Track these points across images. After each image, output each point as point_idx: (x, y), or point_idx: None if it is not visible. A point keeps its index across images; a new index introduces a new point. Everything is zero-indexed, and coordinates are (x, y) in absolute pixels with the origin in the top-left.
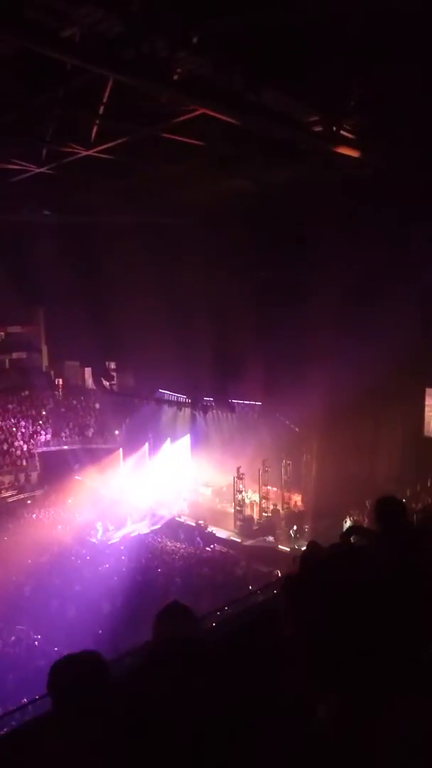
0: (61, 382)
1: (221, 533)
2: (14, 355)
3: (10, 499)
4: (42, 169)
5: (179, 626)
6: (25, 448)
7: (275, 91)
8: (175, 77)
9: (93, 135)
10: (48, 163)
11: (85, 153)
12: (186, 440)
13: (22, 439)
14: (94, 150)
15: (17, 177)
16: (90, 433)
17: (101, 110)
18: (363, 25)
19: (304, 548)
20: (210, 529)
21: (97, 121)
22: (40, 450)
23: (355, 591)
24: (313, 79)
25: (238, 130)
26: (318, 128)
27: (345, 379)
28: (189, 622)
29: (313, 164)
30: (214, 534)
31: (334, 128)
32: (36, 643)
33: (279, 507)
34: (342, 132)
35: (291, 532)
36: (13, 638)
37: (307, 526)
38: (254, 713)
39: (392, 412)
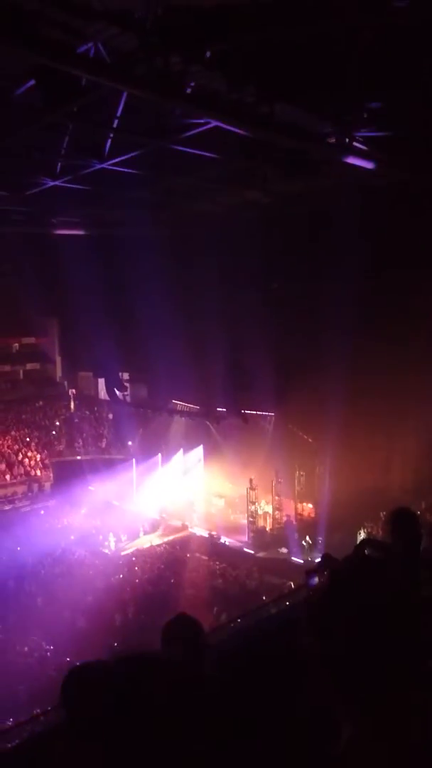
0: (74, 393)
1: (234, 544)
2: (28, 366)
3: (23, 509)
4: (57, 183)
5: (185, 639)
6: (38, 458)
7: (288, 103)
8: (188, 91)
9: (107, 148)
10: (63, 177)
11: (99, 166)
12: (199, 451)
13: (36, 450)
14: (108, 163)
15: (33, 190)
16: (103, 443)
17: (115, 124)
18: (374, 39)
19: (318, 560)
20: (222, 540)
21: (111, 135)
22: (53, 460)
23: (374, 604)
24: (325, 92)
25: (251, 142)
26: (331, 140)
27: (359, 389)
28: (196, 635)
29: (326, 175)
30: (227, 545)
31: (347, 140)
32: (48, 653)
33: (292, 518)
34: (355, 143)
35: (304, 543)
36: (25, 649)
37: (320, 538)
38: (268, 727)
39: (407, 423)
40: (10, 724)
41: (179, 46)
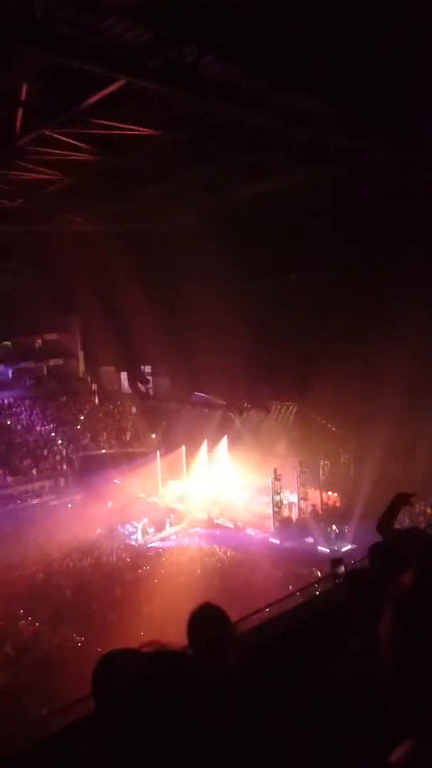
0: (96, 388)
1: (259, 535)
2: (51, 362)
3: (50, 503)
4: (72, 179)
5: (212, 628)
6: (64, 452)
7: (303, 92)
8: (202, 82)
9: (121, 143)
10: (79, 175)
11: (113, 161)
12: (223, 442)
13: (62, 444)
14: (123, 158)
15: (49, 187)
16: (127, 437)
17: (128, 118)
18: (388, 27)
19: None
20: (248, 530)
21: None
22: (78, 454)
23: None
24: (341, 80)
25: (266, 132)
26: (346, 128)
27: (383, 377)
28: (222, 625)
29: (343, 165)
30: (252, 536)
31: (363, 128)
32: (79, 644)
33: (317, 507)
34: (370, 131)
35: (330, 532)
36: (56, 640)
37: (346, 527)
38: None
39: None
40: (44, 714)
41: (192, 38)
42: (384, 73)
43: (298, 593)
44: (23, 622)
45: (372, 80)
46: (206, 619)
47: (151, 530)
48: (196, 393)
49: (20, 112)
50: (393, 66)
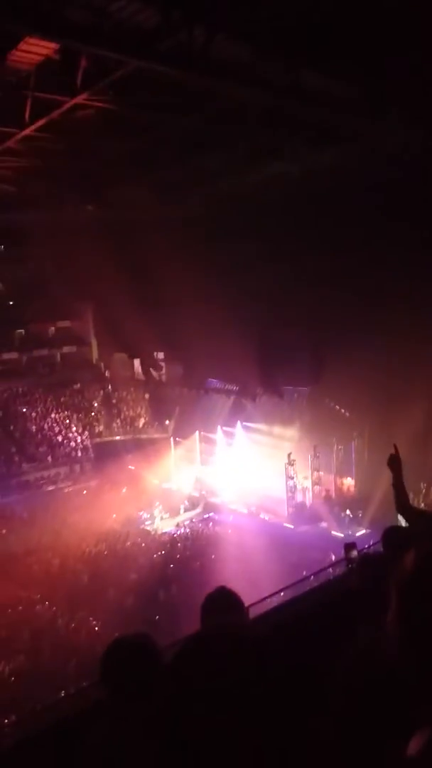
0: (110, 375)
1: (273, 520)
2: (65, 350)
3: (66, 490)
4: (83, 166)
5: (225, 612)
6: (79, 440)
7: (316, 72)
8: (214, 64)
9: (132, 128)
10: (90, 160)
11: (125, 147)
12: (236, 428)
13: (76, 431)
14: (134, 143)
15: (59, 176)
16: (141, 423)
17: (140, 102)
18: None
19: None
20: (262, 516)
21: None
22: (93, 441)
23: None
24: (354, 59)
25: (279, 115)
26: (360, 108)
27: (395, 361)
28: (237, 608)
29: (356, 146)
30: (266, 520)
31: (377, 108)
32: (96, 629)
33: (331, 492)
34: (384, 111)
35: (344, 517)
36: (73, 625)
37: (360, 512)
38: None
39: None
40: (61, 696)
41: (202, 18)
42: (399, 51)
43: (311, 577)
44: (40, 607)
45: (387, 59)
46: (221, 602)
47: (165, 516)
48: (209, 379)
49: (30, 98)
50: (408, 44)
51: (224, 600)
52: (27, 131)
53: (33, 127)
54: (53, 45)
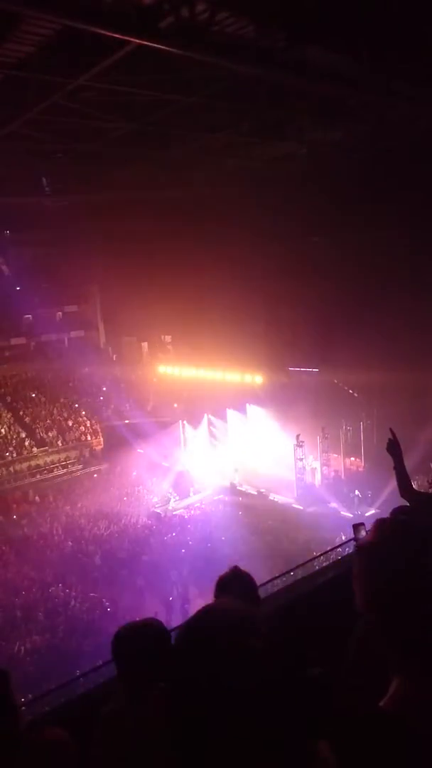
0: (117, 358)
1: (282, 501)
2: (72, 334)
3: (77, 473)
4: (87, 147)
5: (239, 592)
6: (88, 423)
7: (320, 47)
8: (216, 41)
9: (135, 108)
10: (92, 140)
11: (129, 127)
12: (245, 410)
13: (86, 415)
14: (139, 124)
15: (61, 156)
16: (149, 406)
17: (142, 82)
18: None
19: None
20: (271, 497)
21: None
22: (102, 425)
23: None
24: (359, 33)
25: (284, 91)
26: (366, 83)
27: (404, 341)
28: (249, 588)
29: (365, 122)
30: (276, 501)
31: (384, 82)
32: (108, 609)
33: (340, 473)
34: (390, 85)
35: (353, 497)
36: (86, 605)
37: (369, 492)
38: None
39: None
40: (76, 675)
41: None
42: (404, 23)
43: (321, 557)
44: (53, 588)
45: (392, 31)
46: (234, 583)
47: (175, 498)
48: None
49: (31, 80)
50: (414, 16)
51: (237, 580)
52: (29, 114)
53: (35, 110)
54: (55, 25)
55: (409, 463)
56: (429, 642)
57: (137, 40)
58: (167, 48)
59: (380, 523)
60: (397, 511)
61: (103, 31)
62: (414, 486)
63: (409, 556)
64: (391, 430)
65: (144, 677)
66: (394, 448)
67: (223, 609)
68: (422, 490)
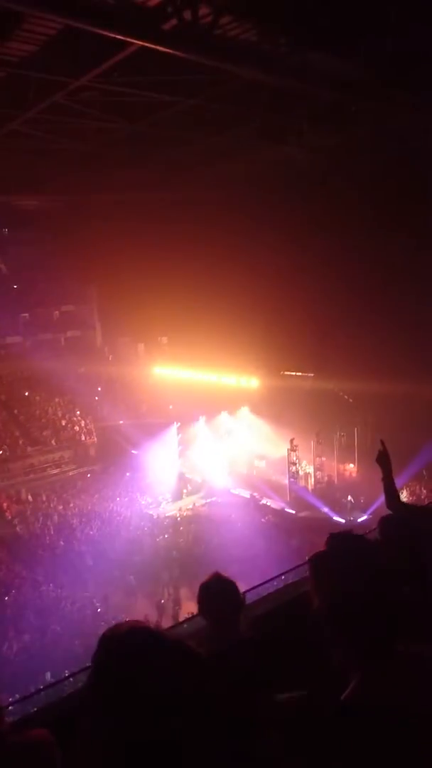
0: (113, 359)
1: (275, 505)
2: (69, 333)
3: (70, 473)
4: (87, 147)
5: (222, 599)
6: (83, 423)
7: (322, 52)
8: (219, 44)
9: (136, 109)
10: (92, 141)
11: (129, 128)
12: (240, 413)
13: (80, 415)
14: (139, 125)
15: (63, 156)
16: (144, 408)
17: (145, 83)
18: None
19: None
20: (264, 501)
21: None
22: (97, 425)
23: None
24: (361, 39)
25: (285, 95)
26: (367, 90)
27: (401, 348)
28: (231, 593)
29: (363, 128)
30: (268, 505)
31: (385, 89)
32: (99, 610)
33: (333, 478)
34: (392, 92)
35: (345, 502)
36: (77, 605)
37: (362, 498)
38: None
39: None
40: (65, 675)
41: None
42: (407, 31)
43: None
44: (44, 588)
45: (394, 39)
46: (215, 589)
47: (168, 500)
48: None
49: (33, 78)
50: (415, 24)
51: (219, 587)
52: (31, 113)
53: (36, 109)
54: (57, 25)
55: (403, 470)
56: (381, 644)
57: (140, 42)
58: (169, 50)
59: (332, 536)
60: (384, 520)
61: (105, 32)
62: (406, 493)
63: (359, 565)
64: (381, 441)
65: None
66: (383, 459)
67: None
68: (409, 502)
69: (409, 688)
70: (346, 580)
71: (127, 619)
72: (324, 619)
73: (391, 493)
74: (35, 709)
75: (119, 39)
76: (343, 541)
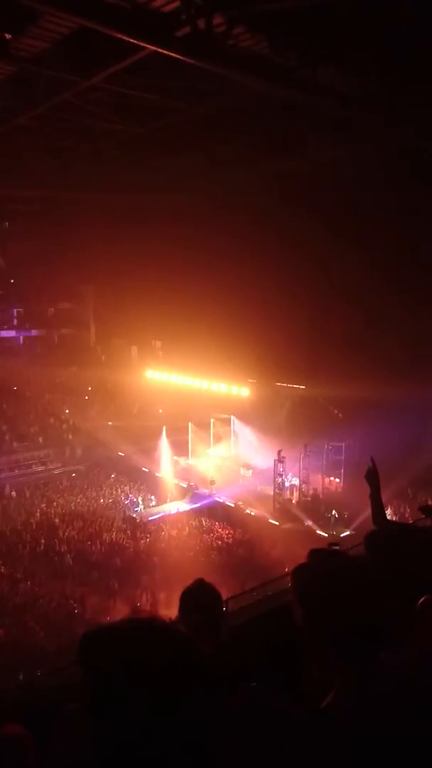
0: (106, 360)
1: (259, 515)
2: (63, 331)
3: (55, 471)
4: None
5: (203, 606)
6: (71, 422)
7: (332, 66)
8: (230, 54)
9: (143, 113)
10: (98, 141)
11: (135, 130)
12: (228, 421)
13: (69, 414)
14: (145, 128)
15: (69, 156)
16: (135, 410)
17: (153, 88)
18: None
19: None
20: (248, 510)
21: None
22: (85, 425)
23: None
24: (371, 54)
25: (292, 107)
26: (375, 104)
27: (391, 364)
28: (213, 601)
29: (369, 143)
30: (252, 515)
31: (393, 104)
32: (76, 611)
33: (319, 491)
34: (399, 107)
35: (329, 517)
36: (54, 604)
37: (346, 513)
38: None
39: None
40: (37, 674)
41: (223, 7)
42: (415, 46)
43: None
44: (23, 585)
45: (403, 54)
46: (197, 595)
47: (152, 504)
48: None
49: (44, 76)
50: (423, 41)
51: (202, 594)
52: (39, 109)
53: (45, 105)
54: (71, 24)
55: (389, 488)
56: (361, 653)
57: (152, 47)
58: (181, 57)
59: (313, 553)
60: (370, 535)
61: (119, 35)
62: (391, 512)
63: (340, 576)
64: (372, 458)
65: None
66: (372, 476)
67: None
68: (395, 519)
69: (389, 696)
70: (327, 591)
71: (99, 624)
72: (305, 629)
73: (378, 511)
74: (8, 705)
75: (132, 42)
76: (325, 556)
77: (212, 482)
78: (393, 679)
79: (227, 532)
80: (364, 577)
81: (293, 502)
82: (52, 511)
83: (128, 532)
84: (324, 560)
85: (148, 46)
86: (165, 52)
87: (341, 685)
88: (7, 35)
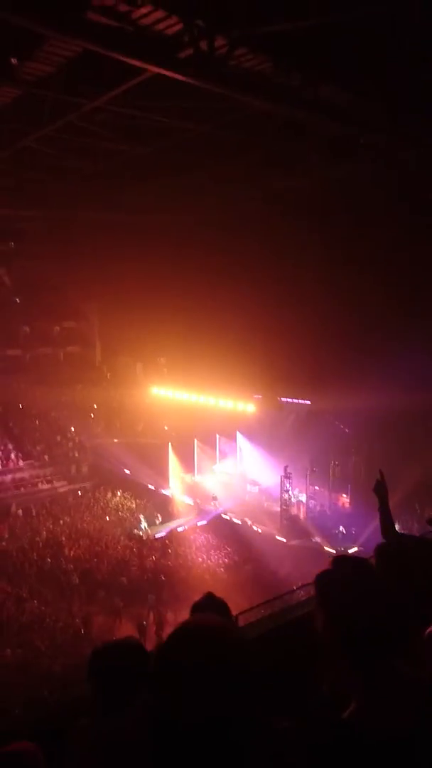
0: (111, 377)
1: (266, 531)
2: (68, 349)
3: (61, 489)
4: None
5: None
6: (77, 440)
7: (335, 87)
8: (233, 75)
9: (148, 133)
10: (103, 161)
11: (140, 151)
12: (235, 438)
13: (75, 431)
14: (150, 148)
15: (74, 176)
16: (140, 427)
17: (157, 108)
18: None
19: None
20: (255, 527)
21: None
22: (91, 442)
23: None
24: (374, 75)
25: (294, 126)
26: (378, 125)
27: (397, 379)
28: (222, 615)
29: (372, 162)
30: (259, 532)
31: (396, 125)
32: (82, 631)
33: (326, 508)
34: (402, 128)
35: (337, 533)
36: (60, 624)
37: (354, 529)
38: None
39: None
40: (45, 694)
41: (225, 29)
42: (418, 67)
43: (301, 591)
44: (29, 604)
45: (406, 75)
46: (208, 609)
47: (158, 521)
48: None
49: (49, 98)
50: (427, 61)
51: (212, 607)
52: (44, 131)
53: (50, 127)
54: (77, 48)
55: (394, 501)
56: (383, 665)
57: (156, 69)
58: (184, 78)
59: (336, 559)
60: (380, 548)
61: (123, 58)
62: (399, 527)
63: (365, 585)
64: (380, 471)
65: (122, 692)
66: (381, 489)
67: (200, 630)
68: (405, 532)
69: (410, 711)
70: (350, 600)
71: (108, 641)
72: (327, 639)
73: (387, 524)
74: (17, 724)
75: (136, 65)
76: (348, 562)
77: (214, 499)
78: (417, 694)
79: (234, 549)
80: (384, 585)
81: (300, 518)
82: (59, 529)
83: (134, 549)
84: (346, 567)
85: (151, 68)
86: (168, 73)
87: (364, 698)
88: (14, 60)
